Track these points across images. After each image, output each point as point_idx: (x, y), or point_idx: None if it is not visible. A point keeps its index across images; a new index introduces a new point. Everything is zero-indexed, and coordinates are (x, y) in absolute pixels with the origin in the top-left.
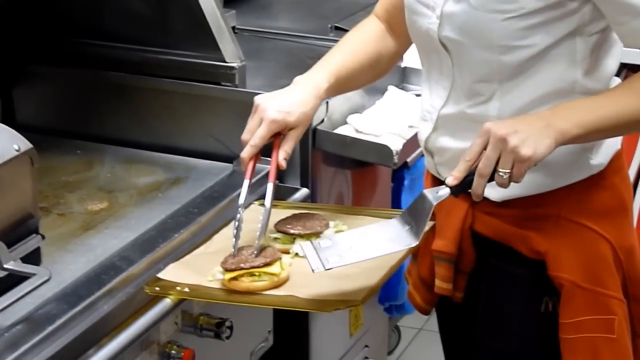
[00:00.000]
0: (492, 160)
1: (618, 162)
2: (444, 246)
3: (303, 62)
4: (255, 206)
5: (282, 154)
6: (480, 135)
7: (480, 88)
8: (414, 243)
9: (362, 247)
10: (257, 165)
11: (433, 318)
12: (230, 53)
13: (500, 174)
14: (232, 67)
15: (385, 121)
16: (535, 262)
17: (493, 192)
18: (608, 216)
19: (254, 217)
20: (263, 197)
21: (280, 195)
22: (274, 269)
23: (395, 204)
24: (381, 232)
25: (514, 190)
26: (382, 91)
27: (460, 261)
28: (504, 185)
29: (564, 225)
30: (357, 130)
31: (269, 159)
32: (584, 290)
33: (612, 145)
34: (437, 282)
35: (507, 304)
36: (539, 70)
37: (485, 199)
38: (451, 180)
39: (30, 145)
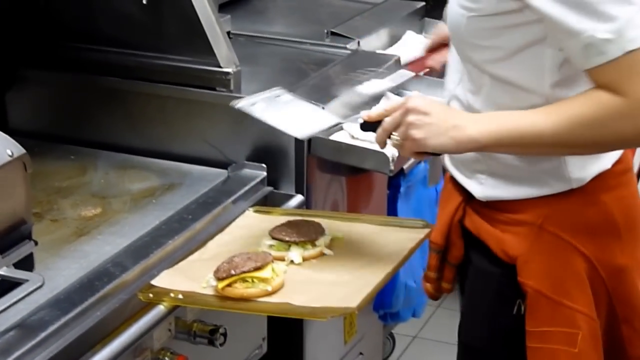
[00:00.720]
0: (394, 122)
1: (611, 181)
2: (434, 236)
3: (299, 67)
4: (250, 213)
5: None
6: (405, 97)
7: (475, 78)
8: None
9: None
10: (247, 171)
11: (427, 326)
12: (225, 58)
13: (393, 136)
14: (227, 73)
15: None
16: (509, 265)
17: (477, 191)
18: (590, 233)
19: (249, 224)
20: (257, 203)
21: (275, 201)
22: (265, 273)
23: (391, 211)
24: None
25: (495, 192)
26: (378, 97)
27: (449, 253)
28: (395, 148)
29: (540, 235)
30: (352, 137)
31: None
32: (549, 300)
33: (596, 162)
34: (426, 270)
35: (481, 302)
36: (509, 74)
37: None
38: (365, 116)
39: (23, 151)
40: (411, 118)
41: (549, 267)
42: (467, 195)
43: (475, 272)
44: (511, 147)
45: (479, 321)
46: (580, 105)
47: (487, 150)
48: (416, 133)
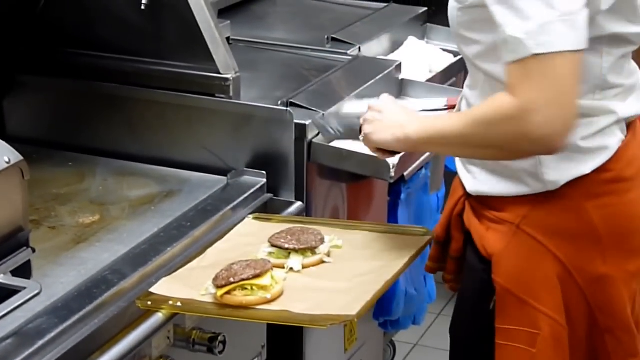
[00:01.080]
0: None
1: (595, 188)
2: (436, 227)
3: (299, 73)
4: (249, 220)
5: None
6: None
7: (473, 74)
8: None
9: None
10: (247, 177)
11: (428, 333)
12: (225, 64)
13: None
14: (227, 79)
15: None
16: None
17: (470, 185)
18: (567, 238)
19: (249, 231)
20: (257, 210)
21: (275, 209)
22: (265, 280)
23: (392, 218)
24: None
25: (483, 187)
26: None
27: (450, 245)
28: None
29: (517, 234)
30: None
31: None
32: (516, 298)
33: (570, 166)
34: (427, 261)
35: (467, 296)
36: (495, 70)
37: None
38: None
39: (20, 158)
40: (368, 115)
41: (520, 266)
42: (467, 190)
43: (466, 266)
44: (437, 146)
45: (464, 316)
46: (486, 106)
47: (420, 150)
48: (367, 128)
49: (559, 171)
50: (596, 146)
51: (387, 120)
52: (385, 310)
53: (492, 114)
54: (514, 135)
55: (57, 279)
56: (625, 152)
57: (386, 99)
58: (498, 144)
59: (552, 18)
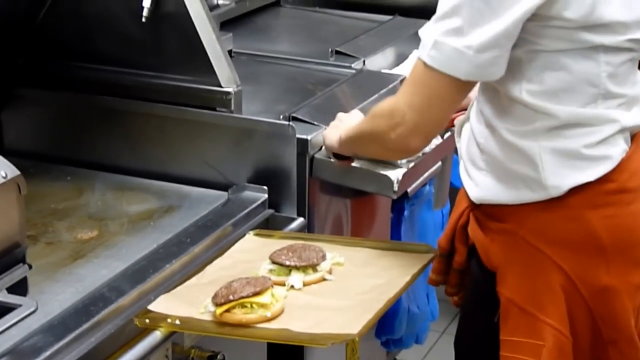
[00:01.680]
0: None
1: (598, 199)
2: (440, 240)
3: (303, 87)
4: (250, 236)
5: None
6: None
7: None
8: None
9: None
10: (248, 193)
11: (432, 353)
12: (226, 77)
13: None
14: (228, 92)
15: None
16: (494, 273)
17: (473, 193)
18: (571, 248)
19: (249, 248)
20: (258, 226)
21: (277, 224)
22: (265, 298)
23: (395, 235)
24: None
25: (486, 194)
26: None
27: (453, 258)
28: None
29: (519, 245)
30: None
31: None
32: (520, 310)
33: (573, 171)
34: (430, 273)
35: (470, 308)
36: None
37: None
38: None
39: (17, 172)
40: (332, 122)
41: (524, 277)
42: (472, 201)
43: (471, 279)
44: (352, 146)
45: (468, 330)
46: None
47: (350, 150)
48: (325, 132)
49: (560, 177)
50: (599, 155)
51: (338, 125)
52: (388, 328)
53: (377, 109)
54: (378, 131)
55: (53, 295)
56: (629, 163)
57: (355, 112)
58: (372, 139)
59: (457, 45)
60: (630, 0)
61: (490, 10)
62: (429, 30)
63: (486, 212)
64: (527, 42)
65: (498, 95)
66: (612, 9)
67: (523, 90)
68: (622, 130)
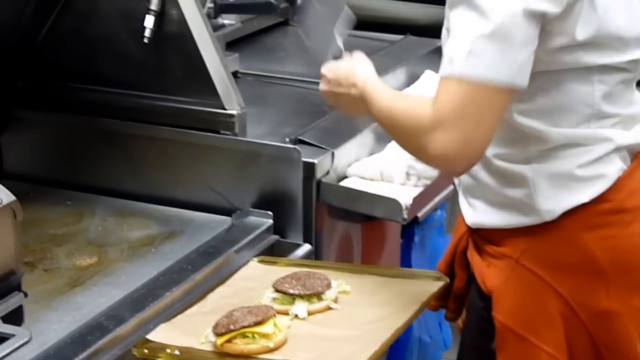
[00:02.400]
0: None
1: (594, 220)
2: (439, 265)
3: (310, 109)
4: (254, 263)
5: None
6: None
7: None
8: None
9: None
10: (253, 218)
11: None
12: (230, 100)
13: None
14: (232, 115)
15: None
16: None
17: (469, 218)
18: (567, 271)
19: (253, 275)
20: (262, 253)
21: (282, 251)
22: (267, 328)
23: (405, 261)
24: None
25: (481, 219)
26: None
27: (453, 283)
28: None
29: (516, 269)
30: (362, 178)
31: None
32: (516, 336)
33: (568, 194)
34: None
35: (468, 334)
36: None
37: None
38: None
39: (13, 198)
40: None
41: (520, 302)
42: (467, 223)
43: (468, 305)
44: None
45: (467, 354)
46: (410, 105)
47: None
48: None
49: (554, 200)
50: (593, 175)
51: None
52: (398, 358)
53: (407, 116)
54: (416, 145)
55: (50, 324)
56: (628, 182)
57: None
58: (401, 143)
59: (487, 47)
60: (634, 16)
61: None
62: (452, 47)
63: (483, 236)
64: None
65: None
66: (617, 24)
67: (514, 112)
68: (617, 149)
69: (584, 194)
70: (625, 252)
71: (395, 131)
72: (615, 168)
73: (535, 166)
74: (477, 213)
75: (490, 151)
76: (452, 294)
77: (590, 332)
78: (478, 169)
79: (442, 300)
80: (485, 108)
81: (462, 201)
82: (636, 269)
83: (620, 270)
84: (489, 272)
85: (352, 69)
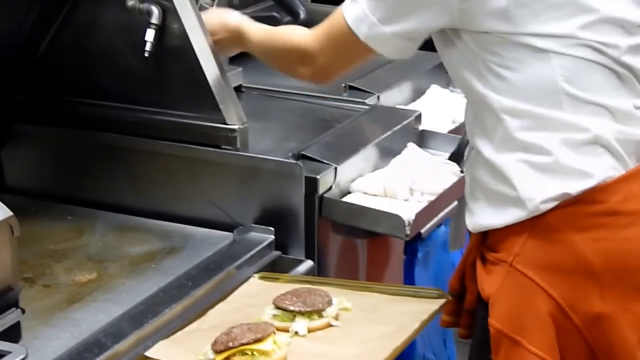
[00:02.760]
0: None
1: (584, 221)
2: (450, 280)
3: (313, 123)
4: (255, 279)
5: None
6: None
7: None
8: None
9: None
10: (254, 234)
11: None
12: (232, 114)
13: None
14: (233, 130)
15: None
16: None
17: (469, 222)
18: (558, 273)
19: (253, 292)
20: (264, 269)
21: (283, 267)
22: (266, 345)
23: (408, 278)
24: None
25: (475, 221)
26: (397, 152)
27: (465, 298)
28: None
29: (510, 273)
30: (365, 193)
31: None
32: (509, 340)
33: (545, 181)
34: (442, 315)
35: (472, 346)
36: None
37: (484, 242)
38: None
39: (10, 213)
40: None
41: (513, 306)
42: (481, 238)
43: (475, 318)
44: (259, 48)
45: None
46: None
47: (239, 42)
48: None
49: (534, 188)
50: (574, 166)
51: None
52: None
53: (290, 40)
54: (287, 61)
55: (47, 341)
56: (625, 185)
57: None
58: (281, 61)
59: (365, 7)
60: None
61: (407, 8)
62: None
63: (486, 245)
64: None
65: (476, 111)
66: None
67: (490, 91)
68: (598, 142)
69: (567, 186)
70: (619, 255)
71: (272, 56)
72: (602, 164)
73: (513, 155)
74: (475, 215)
75: (480, 142)
76: (465, 309)
77: (584, 335)
78: (475, 167)
79: (455, 316)
80: (347, 50)
81: (466, 210)
82: (633, 273)
83: (614, 273)
84: (487, 279)
85: (223, 17)
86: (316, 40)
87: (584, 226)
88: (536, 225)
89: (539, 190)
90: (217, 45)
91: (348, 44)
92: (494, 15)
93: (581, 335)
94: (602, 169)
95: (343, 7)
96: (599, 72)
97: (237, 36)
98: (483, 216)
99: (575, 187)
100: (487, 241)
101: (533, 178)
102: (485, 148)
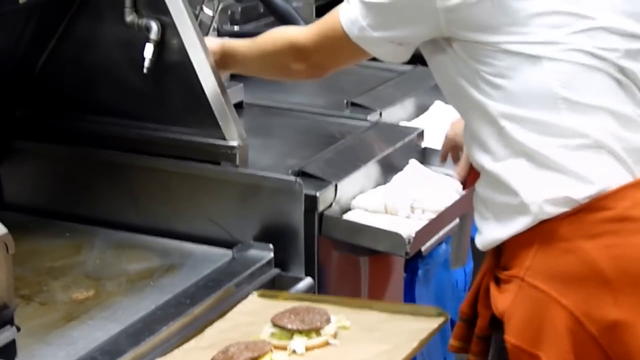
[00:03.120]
0: None
1: (594, 228)
2: (462, 305)
3: (316, 140)
4: (254, 297)
5: None
6: None
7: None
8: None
9: None
10: (254, 251)
11: None
12: (232, 131)
13: None
14: (233, 147)
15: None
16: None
17: (478, 241)
18: (571, 283)
19: (252, 310)
20: (263, 286)
21: (283, 285)
22: None
23: (409, 296)
24: None
25: (484, 238)
26: (398, 169)
27: (476, 323)
28: None
29: (523, 288)
30: (366, 210)
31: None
32: (526, 354)
33: (550, 186)
34: (450, 339)
35: None
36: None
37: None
38: None
39: (5, 231)
40: None
41: (528, 320)
42: (494, 260)
43: (492, 341)
44: (246, 62)
45: None
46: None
47: (228, 64)
48: None
49: (536, 190)
50: (575, 170)
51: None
52: None
53: (282, 38)
54: (281, 60)
55: (43, 359)
56: (632, 191)
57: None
58: (272, 63)
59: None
60: None
61: (395, 18)
62: None
63: (499, 266)
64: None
65: (471, 122)
66: None
67: (482, 95)
68: (601, 147)
69: (570, 190)
70: (630, 261)
71: (263, 60)
72: (605, 169)
73: (512, 161)
74: (483, 233)
75: (481, 157)
76: (475, 335)
77: (601, 344)
78: (480, 184)
79: (465, 342)
80: (341, 49)
81: (477, 234)
82: None
83: (627, 280)
84: (501, 297)
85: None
86: (311, 36)
87: (593, 233)
88: (545, 235)
89: (540, 192)
90: None
91: (341, 43)
92: (480, 27)
93: (598, 344)
94: (605, 174)
95: (340, 7)
96: (597, 76)
97: (223, 54)
98: (490, 231)
99: (578, 192)
100: (500, 262)
101: (534, 180)
102: (486, 161)
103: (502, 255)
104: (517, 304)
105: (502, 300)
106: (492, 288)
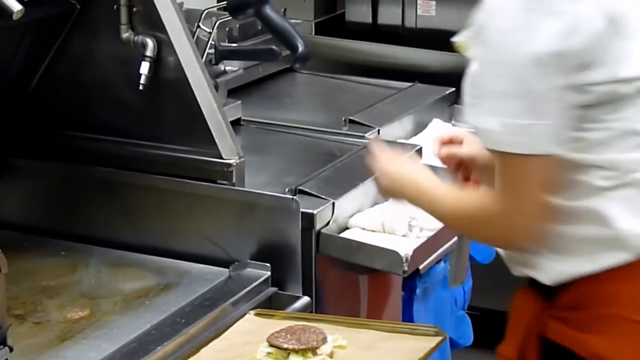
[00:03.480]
0: None
1: None
2: (506, 350)
3: (314, 158)
4: (250, 316)
5: None
6: None
7: None
8: None
9: None
10: (250, 270)
11: None
12: (228, 149)
13: None
14: (229, 164)
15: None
16: None
17: (539, 277)
18: None
19: (248, 329)
20: (260, 305)
21: (280, 304)
22: None
23: (407, 315)
24: None
25: (553, 274)
26: None
27: None
28: None
29: (622, 325)
30: (363, 229)
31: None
32: None
33: None
34: None
35: None
36: None
37: (553, 304)
38: None
39: None
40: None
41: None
42: (545, 302)
43: None
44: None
45: None
46: (474, 201)
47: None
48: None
49: (633, 218)
50: None
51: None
52: None
53: (477, 213)
54: (497, 237)
55: None
56: None
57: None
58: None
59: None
60: None
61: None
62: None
63: (569, 306)
64: None
65: None
66: None
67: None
68: None
69: None
70: None
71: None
72: None
73: (602, 197)
74: (551, 269)
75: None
76: None
77: None
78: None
79: None
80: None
81: (518, 270)
82: None
83: None
84: (597, 340)
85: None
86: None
87: None
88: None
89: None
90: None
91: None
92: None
93: None
94: None
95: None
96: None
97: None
98: (569, 265)
99: None
100: (567, 302)
101: (632, 214)
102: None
103: (566, 293)
104: (621, 343)
105: (603, 342)
106: (569, 333)
